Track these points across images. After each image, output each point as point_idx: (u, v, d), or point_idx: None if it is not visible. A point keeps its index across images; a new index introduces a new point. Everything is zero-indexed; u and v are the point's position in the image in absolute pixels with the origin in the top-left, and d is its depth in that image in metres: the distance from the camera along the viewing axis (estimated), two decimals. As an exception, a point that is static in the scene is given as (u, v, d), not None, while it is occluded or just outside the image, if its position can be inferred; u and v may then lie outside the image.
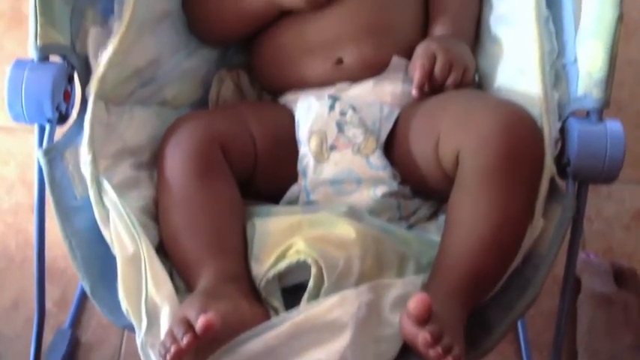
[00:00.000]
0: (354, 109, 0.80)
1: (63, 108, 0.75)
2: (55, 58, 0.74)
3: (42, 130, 0.74)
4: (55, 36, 0.73)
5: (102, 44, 0.77)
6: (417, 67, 0.79)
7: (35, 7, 0.72)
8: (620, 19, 0.68)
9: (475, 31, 0.88)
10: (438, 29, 0.86)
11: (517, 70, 0.78)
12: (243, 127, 0.80)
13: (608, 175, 0.70)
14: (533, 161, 0.69)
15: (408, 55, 0.83)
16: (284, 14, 0.86)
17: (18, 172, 1.11)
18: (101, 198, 0.71)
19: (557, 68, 0.75)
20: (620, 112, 1.12)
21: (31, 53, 0.73)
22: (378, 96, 0.82)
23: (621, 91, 1.13)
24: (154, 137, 0.79)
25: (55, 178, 0.72)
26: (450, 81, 0.79)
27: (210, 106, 0.92)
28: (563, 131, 0.72)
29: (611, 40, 0.68)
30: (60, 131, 0.75)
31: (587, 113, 0.71)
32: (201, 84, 0.91)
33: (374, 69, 0.83)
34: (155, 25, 0.83)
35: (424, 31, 0.87)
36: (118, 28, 0.77)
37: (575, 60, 0.73)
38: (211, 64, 0.93)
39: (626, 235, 1.07)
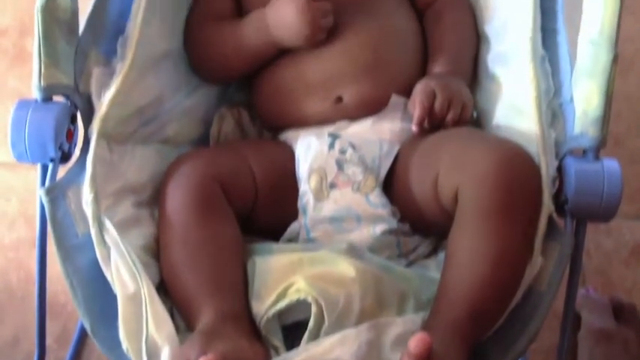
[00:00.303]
0: (353, 147, 0.81)
1: (66, 147, 0.76)
2: (58, 98, 0.75)
3: (45, 169, 0.75)
4: (58, 76, 0.74)
5: (105, 84, 0.78)
6: (417, 103, 0.80)
7: (39, 48, 0.73)
8: (615, 60, 0.69)
9: (473, 69, 0.89)
10: (437, 67, 0.87)
11: (514, 109, 0.79)
12: (244, 164, 0.81)
13: (605, 213, 0.70)
14: (532, 199, 0.70)
15: (407, 92, 0.84)
16: (284, 52, 0.87)
17: (19, 208, 1.12)
18: (102, 236, 0.72)
19: (553, 107, 0.76)
20: (617, 147, 1.13)
21: (35, 93, 0.74)
22: (377, 134, 0.83)
23: (618, 125, 1.14)
24: (155, 175, 0.80)
25: (57, 217, 0.72)
26: (448, 118, 0.80)
27: (212, 144, 0.93)
28: (560, 169, 0.72)
29: (607, 81, 0.69)
30: (63, 170, 0.76)
31: (584, 151, 0.72)
32: (202, 121, 0.92)
33: (373, 107, 0.84)
34: (157, 65, 0.85)
35: (423, 69, 0.88)
36: (121, 69, 0.78)
37: (572, 99, 0.74)
38: (212, 101, 0.94)
39: (625, 269, 1.08)
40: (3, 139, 1.11)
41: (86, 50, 0.79)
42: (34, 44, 0.74)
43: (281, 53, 0.87)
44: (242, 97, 0.97)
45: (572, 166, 0.71)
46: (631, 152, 1.14)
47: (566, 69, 0.77)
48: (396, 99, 0.84)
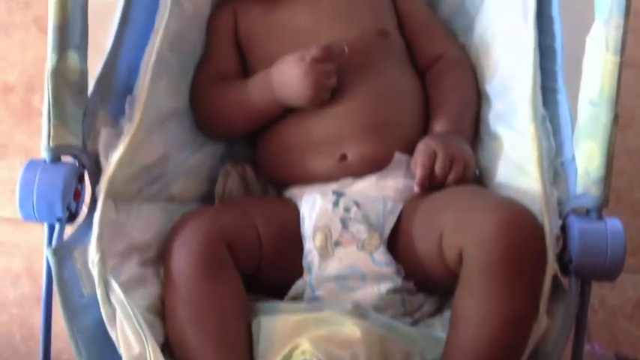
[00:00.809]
0: (357, 205, 0.82)
1: (73, 207, 0.76)
2: (66, 158, 0.76)
3: (52, 228, 0.76)
4: (67, 137, 0.76)
5: (112, 144, 0.79)
6: (418, 164, 0.81)
7: (49, 110, 0.74)
8: (616, 120, 0.70)
9: (475, 127, 0.90)
10: (439, 126, 0.88)
11: (516, 168, 0.80)
12: (249, 223, 0.81)
13: (610, 273, 0.71)
14: (536, 259, 0.70)
15: (410, 150, 0.85)
16: (288, 111, 0.89)
17: (24, 264, 1.12)
18: (108, 297, 0.72)
19: (555, 166, 0.77)
20: (618, 201, 1.13)
21: (44, 154, 0.75)
22: (381, 191, 0.84)
23: (620, 180, 1.14)
24: (160, 234, 0.81)
25: (63, 277, 0.72)
26: (450, 178, 0.80)
27: (217, 200, 0.93)
28: (564, 228, 0.73)
29: (607, 142, 0.70)
30: (69, 228, 0.77)
31: (587, 211, 0.73)
32: (208, 178, 0.93)
33: (377, 165, 0.85)
34: (163, 123, 0.86)
35: (425, 127, 0.89)
36: (129, 129, 0.80)
37: (573, 158, 0.75)
38: (217, 158, 0.95)
39: (630, 324, 1.08)
40: (9, 195, 1.15)
41: (95, 111, 0.80)
42: (43, 106, 0.75)
43: (286, 112, 0.89)
44: (247, 154, 0.98)
45: (576, 225, 0.72)
46: (633, 207, 1.14)
47: (567, 128, 0.79)
48: (399, 156, 0.85)
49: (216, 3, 0.98)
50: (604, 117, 0.70)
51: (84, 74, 0.78)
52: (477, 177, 0.87)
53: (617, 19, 0.68)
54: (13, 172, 1.16)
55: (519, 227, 0.70)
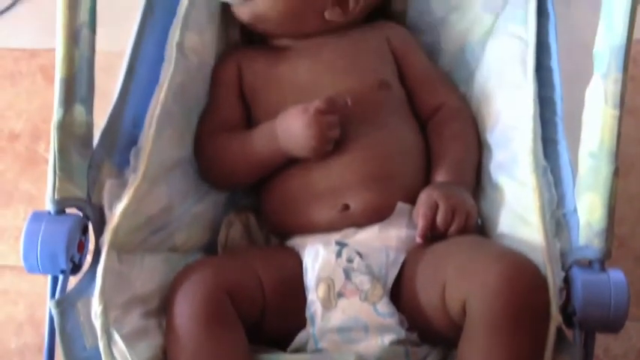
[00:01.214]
0: (360, 255, 0.82)
1: (76, 258, 0.76)
2: (71, 209, 0.77)
3: (55, 280, 0.76)
4: (72, 189, 0.76)
5: (117, 196, 0.79)
6: (420, 215, 0.81)
7: (54, 162, 0.75)
8: (616, 172, 0.71)
9: (477, 176, 0.91)
10: (440, 176, 0.89)
11: (518, 218, 0.80)
12: (252, 274, 0.81)
13: (614, 325, 0.71)
14: (539, 311, 0.70)
15: (412, 199, 0.85)
16: (291, 161, 0.89)
17: (27, 313, 1.11)
18: (111, 350, 0.72)
19: (557, 217, 0.77)
20: (621, 248, 1.13)
21: (48, 206, 0.75)
22: (384, 241, 0.84)
23: (622, 227, 1.15)
24: (163, 285, 0.80)
25: (66, 330, 0.72)
26: (452, 228, 0.81)
27: (219, 250, 0.94)
28: (567, 280, 0.73)
29: (609, 193, 0.71)
30: (73, 279, 0.77)
31: (590, 262, 0.73)
32: (211, 227, 0.94)
33: (379, 215, 0.86)
34: (168, 174, 0.86)
35: (427, 177, 0.90)
36: (133, 181, 0.80)
37: (575, 210, 0.75)
38: (220, 207, 0.96)
39: (634, 373, 1.07)
40: (13, 243, 1.15)
41: (99, 162, 0.81)
42: (49, 159, 0.76)
43: (289, 162, 0.89)
44: (249, 202, 0.98)
45: (579, 277, 0.72)
46: (635, 253, 1.14)
47: (569, 179, 0.79)
48: (401, 206, 0.86)
49: (221, 54, 1.00)
50: (605, 169, 0.71)
51: (90, 127, 0.79)
52: (479, 226, 0.88)
53: (616, 74, 0.69)
54: (17, 219, 1.16)
55: (522, 279, 0.70)
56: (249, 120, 0.96)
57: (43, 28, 1.35)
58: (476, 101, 0.95)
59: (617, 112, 0.70)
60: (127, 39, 0.92)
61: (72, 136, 0.76)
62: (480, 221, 0.88)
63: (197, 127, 0.94)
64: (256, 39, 1.02)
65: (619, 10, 0.68)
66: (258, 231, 0.97)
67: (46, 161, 1.17)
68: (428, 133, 0.94)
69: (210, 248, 0.93)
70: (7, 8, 1.40)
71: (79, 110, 0.77)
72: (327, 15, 0.95)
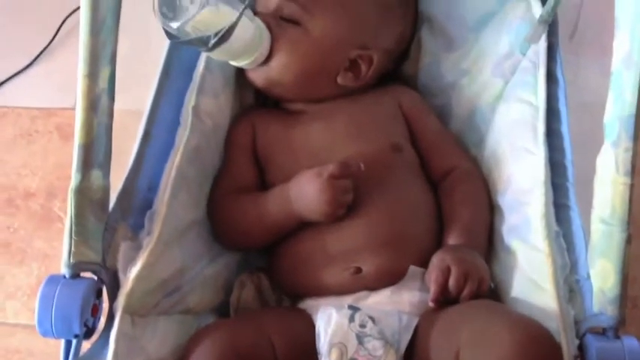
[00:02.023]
0: (373, 320, 0.82)
1: (90, 322, 0.77)
2: (85, 273, 0.78)
3: (68, 344, 0.76)
4: (87, 253, 0.77)
5: (131, 259, 0.80)
6: (433, 279, 0.81)
7: (70, 227, 0.76)
8: (628, 240, 0.71)
9: (489, 239, 0.91)
10: (452, 239, 0.89)
11: (532, 283, 0.80)
12: (264, 338, 0.81)
13: (629, 392, 0.70)
14: (554, 379, 0.70)
15: (425, 262, 0.85)
16: (304, 223, 0.90)
17: (38, 372, 1.11)
18: (124, 415, 0.72)
19: (570, 283, 0.77)
20: (634, 309, 1.12)
21: (63, 270, 0.77)
22: (397, 305, 0.84)
23: (634, 288, 1.14)
24: (176, 349, 0.81)
25: (78, 394, 0.73)
26: (465, 293, 0.81)
27: (232, 311, 0.93)
28: (581, 348, 0.73)
29: (621, 261, 0.71)
30: (86, 343, 0.77)
31: (604, 329, 0.73)
32: (223, 288, 0.94)
33: (392, 278, 0.86)
34: (182, 236, 0.87)
35: (439, 239, 0.90)
36: (148, 244, 0.81)
37: (588, 276, 0.75)
38: (233, 268, 0.96)
39: None
40: (26, 301, 1.15)
41: (115, 225, 0.81)
42: (65, 223, 0.77)
43: (301, 224, 0.90)
44: (262, 263, 0.99)
45: (593, 345, 0.71)
46: (649, 315, 1.13)
47: (581, 245, 0.79)
48: (413, 270, 0.86)
49: (235, 116, 1.02)
50: (617, 237, 0.71)
51: (106, 191, 0.80)
52: (492, 290, 0.87)
53: (627, 143, 0.69)
54: (30, 277, 1.17)
55: (538, 348, 0.70)
56: (263, 182, 0.97)
57: (60, 88, 1.39)
58: (487, 164, 0.96)
59: (628, 180, 0.70)
60: (143, 98, 0.95)
61: (89, 200, 0.77)
62: (492, 285, 0.88)
63: (211, 189, 0.95)
64: (270, 102, 1.04)
65: (628, 81, 0.69)
66: (270, 292, 0.97)
67: (61, 219, 1.22)
68: (440, 196, 0.94)
69: (222, 309, 0.93)
70: (25, 68, 1.43)
71: (96, 175, 0.78)
72: (339, 80, 0.97)
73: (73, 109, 1.29)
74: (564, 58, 0.97)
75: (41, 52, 1.44)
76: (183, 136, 0.90)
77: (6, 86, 1.41)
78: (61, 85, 1.39)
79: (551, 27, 0.94)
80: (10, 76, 1.42)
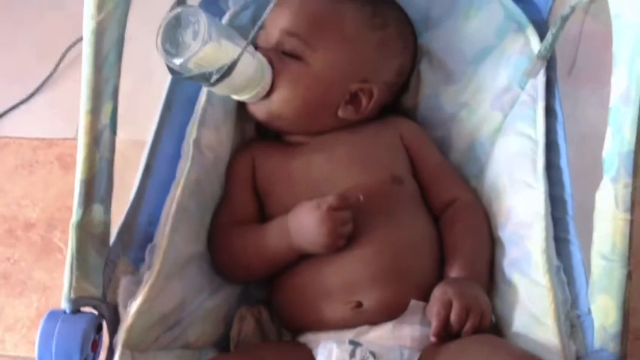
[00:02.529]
0: (374, 355, 0.81)
1: (90, 358, 0.76)
2: (85, 307, 0.78)
3: (68, 379, 0.76)
4: (88, 288, 0.77)
5: (132, 293, 0.80)
6: (434, 313, 0.81)
7: (71, 262, 0.76)
8: (629, 276, 0.71)
9: (490, 272, 0.91)
10: (454, 271, 0.89)
11: (533, 318, 0.80)
12: (264, 374, 0.81)
13: None
14: (556, 416, 0.70)
15: (426, 296, 0.85)
16: (304, 256, 0.90)
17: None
18: None
19: (571, 318, 0.77)
20: (636, 341, 1.11)
21: (64, 305, 0.76)
22: (398, 340, 0.84)
23: (636, 320, 1.13)
24: (176, 384, 0.81)
25: None
26: (467, 327, 0.80)
27: (232, 345, 0.93)
28: (583, 384, 0.73)
29: (622, 297, 0.71)
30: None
31: (605, 363, 0.73)
32: (224, 322, 0.93)
33: (393, 312, 0.85)
34: (182, 270, 0.87)
35: (440, 272, 0.90)
36: (148, 278, 0.81)
37: (589, 311, 0.75)
38: (233, 301, 0.96)
39: None
40: (25, 333, 1.15)
41: (115, 260, 0.82)
42: (67, 258, 0.77)
43: (301, 257, 0.90)
44: (262, 296, 0.99)
45: (596, 381, 0.71)
46: (651, 347, 1.13)
47: (582, 280, 0.79)
48: (415, 303, 0.86)
49: (236, 149, 1.02)
50: (617, 272, 0.72)
51: (107, 226, 0.80)
52: (493, 324, 0.87)
53: (626, 179, 0.70)
54: (29, 309, 1.17)
55: (539, 383, 0.70)
56: (264, 214, 0.97)
57: (61, 118, 1.40)
58: (486, 197, 0.96)
59: (628, 216, 0.70)
60: (144, 129, 0.96)
61: (90, 235, 0.77)
62: (494, 318, 0.87)
63: (211, 221, 0.95)
64: (271, 133, 1.04)
65: (626, 117, 0.69)
66: (270, 325, 0.97)
67: (61, 250, 1.22)
68: (441, 228, 0.95)
69: (222, 343, 0.93)
70: (27, 98, 1.44)
71: (97, 210, 0.78)
72: (340, 113, 0.98)
73: (74, 139, 1.32)
74: (563, 90, 0.98)
75: (43, 83, 1.45)
76: (184, 169, 0.91)
77: (8, 116, 1.42)
78: (63, 115, 1.40)
79: (550, 62, 0.95)
80: (12, 106, 1.43)
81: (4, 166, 1.35)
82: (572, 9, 0.81)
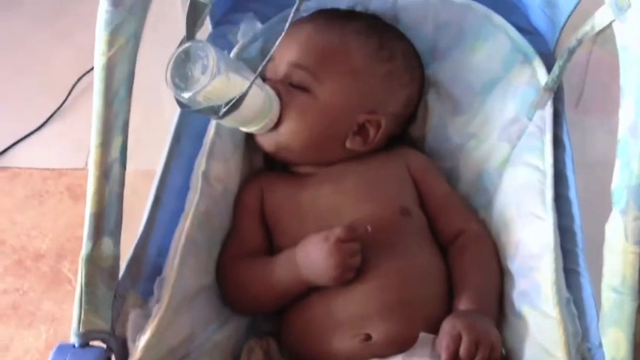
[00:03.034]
0: (384, 390, 0.81)
1: (98, 394, 0.76)
2: (95, 341, 0.78)
3: (76, 415, 0.76)
4: (97, 322, 0.77)
5: (140, 327, 0.80)
6: (444, 347, 0.80)
7: (80, 296, 0.77)
8: (638, 309, 0.71)
9: (499, 304, 0.91)
10: (463, 304, 0.88)
11: (543, 351, 0.80)
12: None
13: None
14: None
15: (435, 329, 0.84)
16: (313, 288, 0.90)
17: None
18: None
19: (582, 351, 0.77)
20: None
21: (73, 339, 0.76)
22: (407, 373, 0.84)
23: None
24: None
25: None
26: (477, 360, 0.80)
27: (240, 379, 0.93)
28: (596, 417, 0.72)
29: (632, 330, 0.70)
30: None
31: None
32: (232, 354, 0.92)
33: (402, 345, 0.85)
34: (191, 302, 0.87)
35: (449, 304, 0.90)
36: (157, 312, 0.81)
37: (600, 344, 0.75)
38: (241, 333, 0.95)
39: None
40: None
41: (124, 292, 0.82)
42: (76, 291, 0.77)
43: (310, 289, 0.90)
44: (271, 327, 0.98)
45: (608, 414, 0.71)
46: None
47: (592, 312, 0.79)
48: (424, 336, 0.85)
49: (244, 180, 1.03)
50: (628, 305, 0.71)
51: (116, 259, 0.80)
52: (503, 357, 0.86)
53: (635, 212, 0.69)
54: (38, 341, 1.17)
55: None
56: (272, 245, 0.97)
57: (71, 149, 1.41)
58: (495, 228, 0.96)
59: (638, 250, 0.70)
60: (152, 159, 0.96)
61: (99, 269, 0.78)
62: (504, 351, 0.87)
63: (220, 253, 0.95)
64: (279, 164, 1.05)
65: (635, 150, 0.69)
66: (279, 357, 0.96)
67: (70, 281, 1.22)
68: (449, 259, 0.94)
69: (230, 375, 0.93)
70: (37, 129, 1.45)
71: (106, 243, 0.78)
72: (348, 144, 0.98)
73: (84, 169, 1.33)
74: (570, 119, 0.98)
75: (53, 113, 1.47)
76: (192, 201, 0.91)
77: (19, 147, 1.44)
78: (73, 145, 1.41)
79: (557, 93, 0.95)
80: (23, 136, 1.44)
81: (14, 196, 1.36)
82: (579, 41, 0.82)
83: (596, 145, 1.18)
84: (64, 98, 1.48)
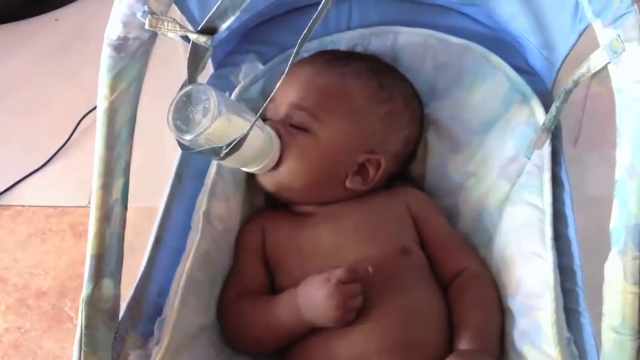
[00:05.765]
0: None
1: None
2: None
3: None
4: (96, 364, 0.77)
5: (141, 371, 0.80)
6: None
7: (80, 337, 0.76)
8: (638, 350, 0.71)
9: (500, 343, 0.90)
10: (464, 343, 0.88)
11: (548, 394, 0.79)
12: None
13: None
14: None
15: (436, 368, 0.85)
16: (314, 329, 0.89)
17: None
18: None
19: (586, 393, 0.77)
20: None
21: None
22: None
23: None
24: None
25: None
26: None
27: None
28: None
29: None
30: None
31: None
32: (233, 394, 0.93)
33: (403, 385, 0.85)
34: (192, 342, 0.87)
35: (450, 344, 0.89)
36: (157, 353, 0.81)
37: (602, 385, 0.74)
38: (243, 375, 0.95)
39: None
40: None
41: (124, 334, 0.81)
42: (76, 332, 0.77)
43: (311, 330, 0.89)
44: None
45: None
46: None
47: (593, 352, 0.79)
48: (425, 379, 0.85)
49: (245, 219, 1.03)
50: (628, 346, 0.71)
51: (117, 300, 0.80)
52: (506, 398, 0.86)
53: (634, 252, 0.70)
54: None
55: None
56: (273, 284, 0.98)
57: (74, 187, 1.42)
58: (495, 267, 0.96)
59: (637, 290, 0.70)
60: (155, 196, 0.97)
61: (99, 310, 0.77)
62: (506, 391, 0.87)
63: (221, 293, 0.95)
64: (280, 203, 1.05)
65: (632, 191, 0.70)
66: (280, 394, 0.96)
67: (71, 319, 1.22)
68: (450, 298, 0.94)
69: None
70: (40, 167, 1.46)
71: (107, 284, 0.78)
72: (348, 184, 0.99)
73: (87, 206, 1.33)
74: (569, 155, 0.99)
75: (57, 152, 1.48)
76: (194, 241, 0.92)
77: (22, 185, 1.44)
78: (76, 183, 1.42)
79: (555, 131, 0.96)
80: (27, 175, 1.45)
81: (17, 234, 1.37)
82: (575, 83, 0.82)
83: (596, 180, 1.17)
84: (67, 136, 1.49)
